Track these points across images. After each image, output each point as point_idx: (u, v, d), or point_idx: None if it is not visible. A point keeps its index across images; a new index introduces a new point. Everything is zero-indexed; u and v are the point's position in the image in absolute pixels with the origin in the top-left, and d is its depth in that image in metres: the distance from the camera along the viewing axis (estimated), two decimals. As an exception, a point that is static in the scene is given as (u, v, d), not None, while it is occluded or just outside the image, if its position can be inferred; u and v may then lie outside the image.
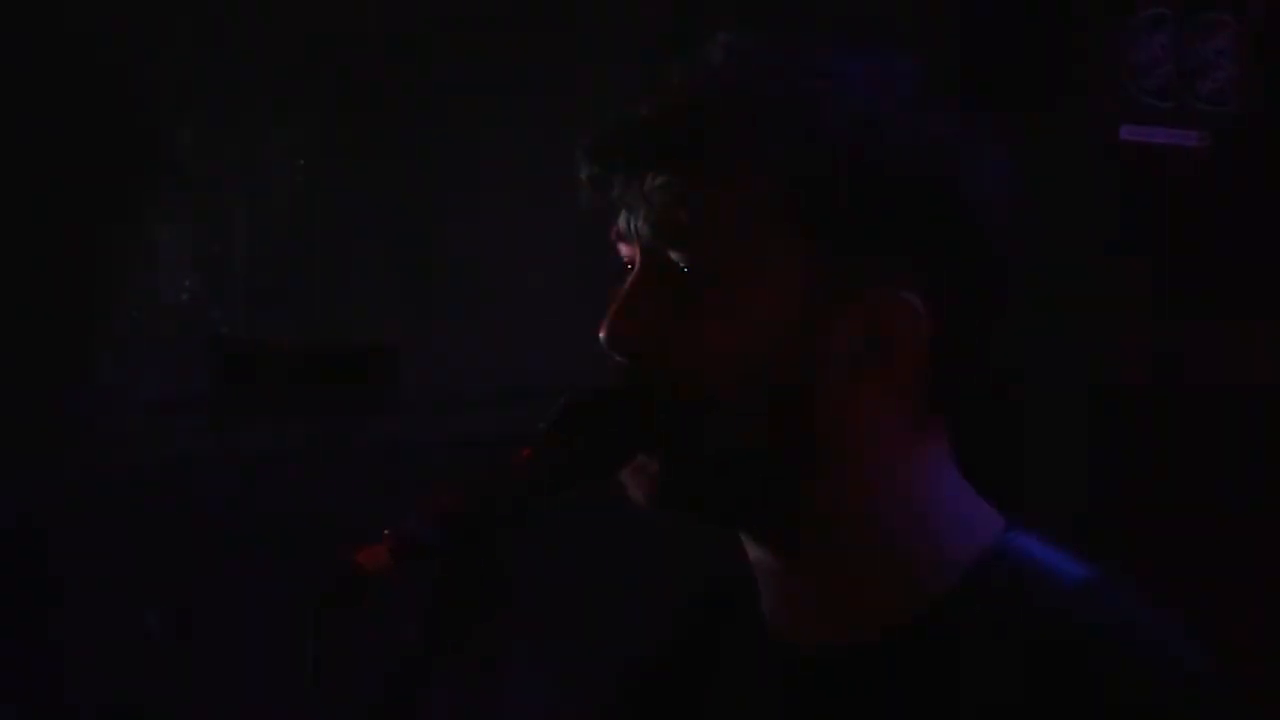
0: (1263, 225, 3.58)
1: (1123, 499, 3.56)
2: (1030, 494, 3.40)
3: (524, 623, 3.62)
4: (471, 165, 4.13)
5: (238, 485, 4.06)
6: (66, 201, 4.04)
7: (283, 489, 4.02)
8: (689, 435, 1.47)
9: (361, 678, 1.44)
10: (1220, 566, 3.48)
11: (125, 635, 3.98)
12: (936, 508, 1.50)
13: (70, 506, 4.04)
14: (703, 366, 1.45)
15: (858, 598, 1.49)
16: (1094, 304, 3.66)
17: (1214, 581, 3.42)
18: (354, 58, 4.14)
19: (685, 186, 1.45)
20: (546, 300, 4.00)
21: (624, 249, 1.51)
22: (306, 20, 4.11)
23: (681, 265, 1.46)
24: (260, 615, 3.76)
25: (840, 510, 1.49)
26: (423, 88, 4.14)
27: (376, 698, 1.40)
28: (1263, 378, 3.56)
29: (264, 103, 4.13)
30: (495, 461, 1.44)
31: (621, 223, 1.50)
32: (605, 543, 3.32)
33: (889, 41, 1.56)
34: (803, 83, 1.47)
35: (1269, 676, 3.30)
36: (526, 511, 1.43)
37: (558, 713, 3.81)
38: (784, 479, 1.48)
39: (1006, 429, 3.38)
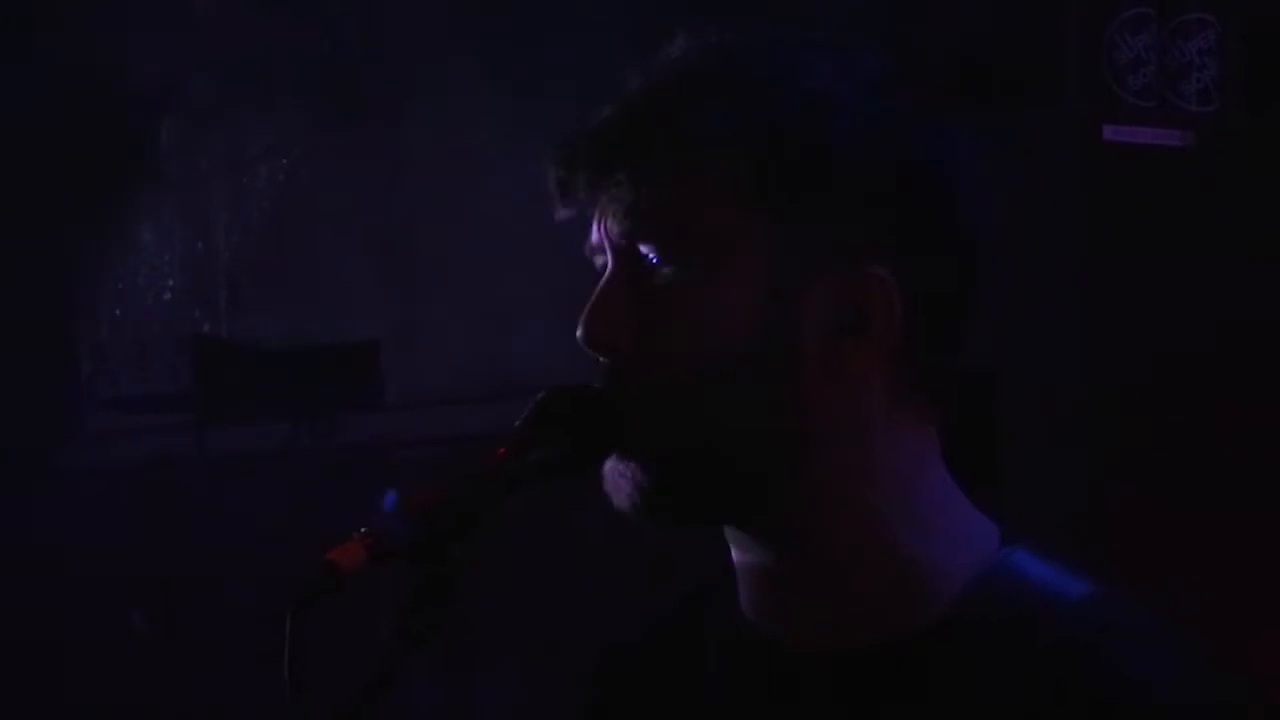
0: (1248, 224, 3.58)
1: (1119, 499, 3.57)
2: (1016, 493, 3.41)
3: (504, 622, 3.63)
4: (453, 165, 4.13)
5: (220, 482, 4.06)
6: (50, 201, 4.04)
7: (265, 486, 4.02)
8: (667, 428, 1.46)
9: (339, 675, 1.43)
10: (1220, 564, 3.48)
11: (111, 631, 3.98)
12: (934, 512, 1.49)
13: (52, 504, 4.04)
14: (680, 356, 1.45)
15: (854, 601, 1.48)
16: (1076, 302, 3.66)
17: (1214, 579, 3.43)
18: (336, 58, 4.14)
19: (650, 179, 1.46)
20: (528, 298, 4.00)
21: (598, 260, 1.51)
22: (289, 21, 4.11)
23: (651, 258, 1.46)
24: (240, 612, 3.76)
25: (828, 503, 1.47)
26: (405, 87, 4.15)
27: (352, 695, 1.40)
28: (1254, 377, 3.57)
29: (246, 103, 4.13)
30: (471, 460, 1.44)
31: (593, 234, 1.50)
32: (589, 541, 3.32)
33: (853, 36, 1.57)
34: (758, 67, 1.48)
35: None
36: (503, 510, 1.43)
37: (537, 712, 3.81)
38: (767, 467, 1.47)
39: (983, 424, 3.39)
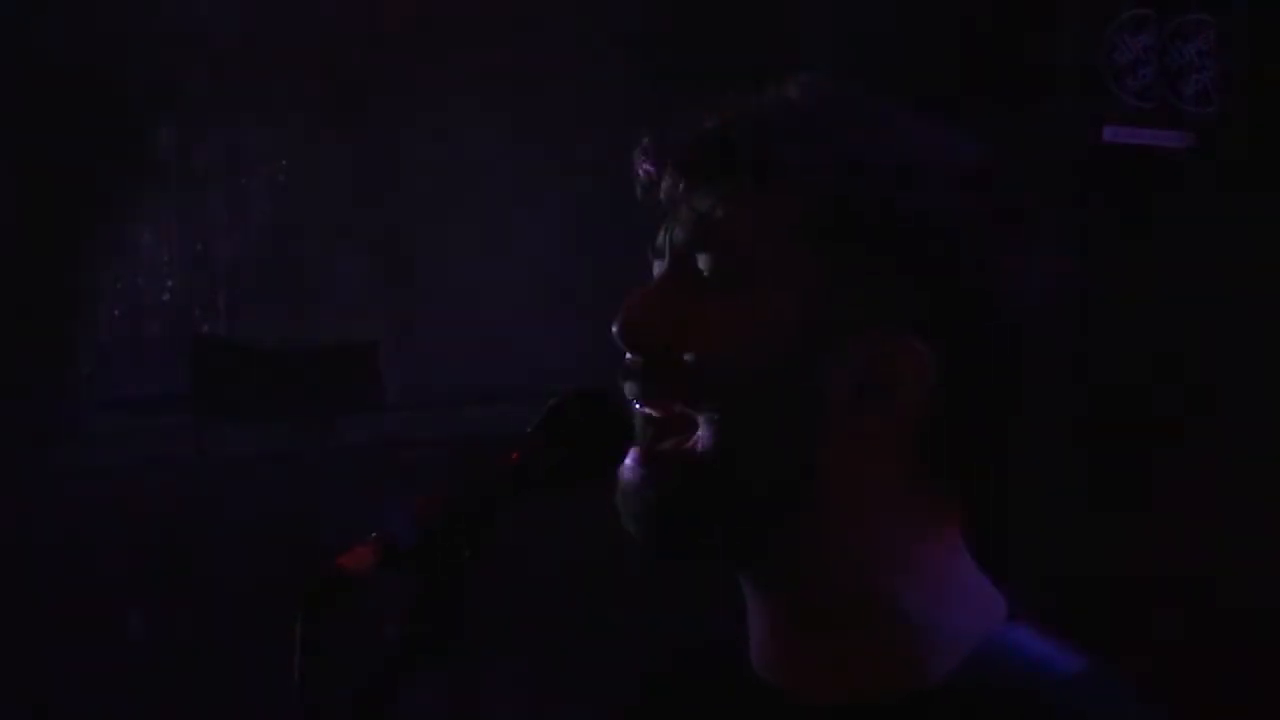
0: (1247, 225, 3.59)
1: (1118, 500, 3.57)
2: (1015, 494, 3.41)
3: (509, 625, 3.62)
4: (453, 165, 4.13)
5: (219, 483, 4.06)
6: (49, 201, 4.04)
7: (265, 489, 4.02)
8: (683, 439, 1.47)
9: (346, 678, 1.44)
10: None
11: (105, 633, 3.97)
12: (942, 581, 1.50)
13: (51, 505, 4.03)
14: (706, 370, 1.47)
15: (853, 659, 1.50)
16: (1075, 303, 3.66)
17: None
18: (336, 58, 4.14)
19: (723, 196, 1.48)
20: (527, 300, 4.00)
21: (658, 264, 1.53)
22: (288, 20, 4.11)
23: (705, 271, 1.48)
24: (243, 615, 3.76)
25: (833, 557, 1.49)
26: (404, 87, 4.14)
27: (358, 698, 1.40)
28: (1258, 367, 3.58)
29: (246, 103, 4.13)
30: (485, 464, 1.45)
31: (659, 238, 1.52)
32: (594, 546, 3.32)
33: (856, 37, 1.59)
34: (856, 119, 1.49)
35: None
36: (514, 515, 1.44)
37: (540, 713, 3.82)
38: (775, 499, 1.48)
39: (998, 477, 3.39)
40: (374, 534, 1.41)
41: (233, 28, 4.10)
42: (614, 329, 1.50)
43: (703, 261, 1.48)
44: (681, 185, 1.50)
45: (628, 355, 1.50)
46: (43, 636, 4.01)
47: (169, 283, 4.15)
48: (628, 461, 1.49)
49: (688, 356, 1.47)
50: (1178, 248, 3.60)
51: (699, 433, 1.47)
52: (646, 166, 1.53)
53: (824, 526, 1.48)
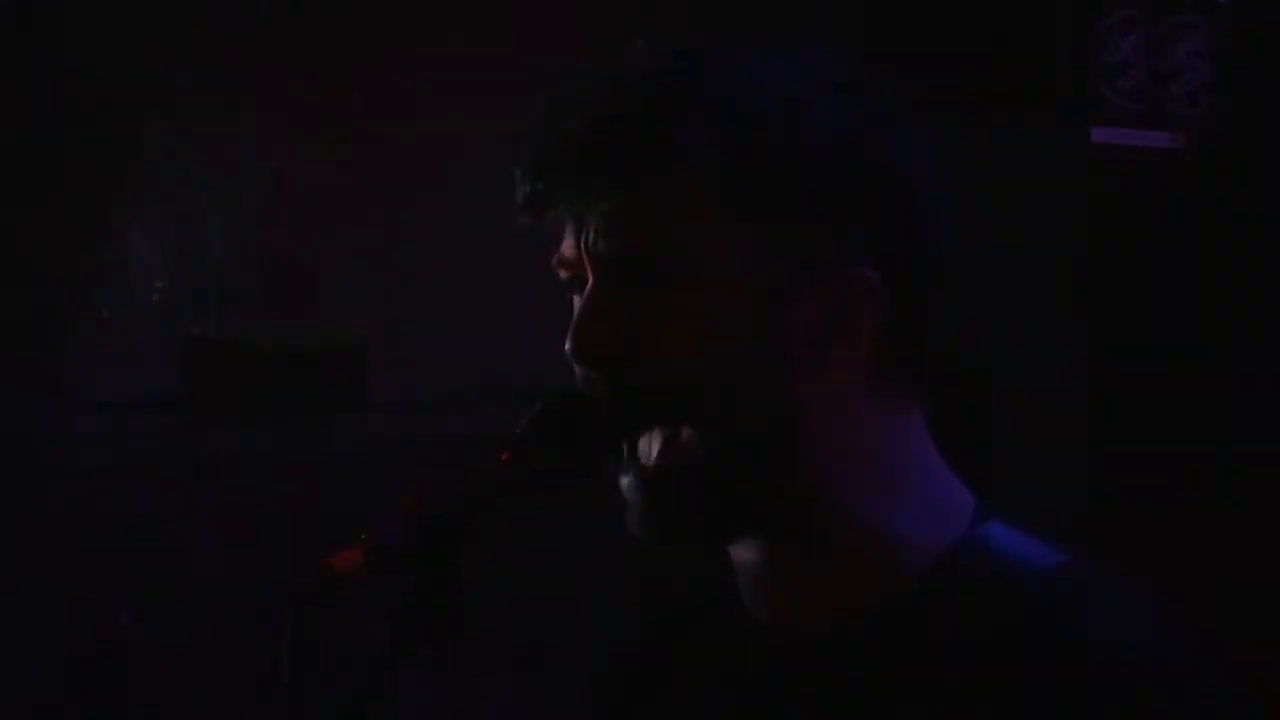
0: (1237, 225, 3.59)
1: (1117, 499, 3.58)
2: (1014, 494, 3.41)
3: (501, 626, 3.62)
4: (444, 165, 4.12)
5: (210, 486, 4.06)
6: (38, 201, 4.03)
7: (256, 490, 4.02)
8: (665, 438, 1.48)
9: (333, 679, 1.44)
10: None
11: (98, 635, 3.97)
12: (913, 489, 1.53)
13: (41, 507, 4.03)
14: (672, 367, 1.47)
15: (832, 583, 1.52)
16: (1068, 303, 3.67)
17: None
18: (326, 57, 4.13)
19: (635, 192, 1.47)
20: (520, 299, 4.00)
21: (564, 273, 1.53)
22: (278, 19, 4.11)
23: (639, 272, 1.48)
24: (232, 617, 3.76)
25: (819, 494, 1.51)
26: (395, 87, 4.14)
27: (345, 698, 1.41)
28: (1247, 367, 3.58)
29: (236, 103, 4.12)
30: (473, 465, 1.45)
31: (566, 247, 1.52)
32: (581, 543, 3.32)
33: (802, 36, 1.60)
34: (729, 78, 1.50)
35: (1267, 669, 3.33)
36: (505, 515, 1.44)
37: (531, 714, 3.82)
38: (765, 469, 1.49)
39: (977, 415, 3.40)
40: (363, 535, 1.41)
41: (224, 26, 4.10)
42: (567, 348, 1.50)
43: (636, 265, 1.48)
44: (584, 193, 1.49)
45: (581, 373, 1.50)
46: (37, 637, 4.00)
47: (158, 284, 4.15)
48: (626, 480, 1.50)
49: (648, 365, 1.47)
50: (1169, 248, 3.61)
51: (682, 432, 1.48)
52: (535, 183, 1.52)
53: (805, 469, 1.50)
